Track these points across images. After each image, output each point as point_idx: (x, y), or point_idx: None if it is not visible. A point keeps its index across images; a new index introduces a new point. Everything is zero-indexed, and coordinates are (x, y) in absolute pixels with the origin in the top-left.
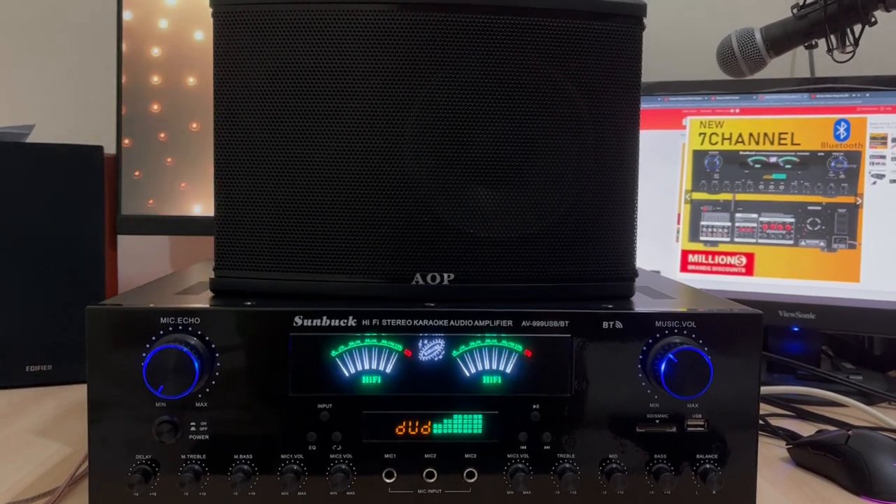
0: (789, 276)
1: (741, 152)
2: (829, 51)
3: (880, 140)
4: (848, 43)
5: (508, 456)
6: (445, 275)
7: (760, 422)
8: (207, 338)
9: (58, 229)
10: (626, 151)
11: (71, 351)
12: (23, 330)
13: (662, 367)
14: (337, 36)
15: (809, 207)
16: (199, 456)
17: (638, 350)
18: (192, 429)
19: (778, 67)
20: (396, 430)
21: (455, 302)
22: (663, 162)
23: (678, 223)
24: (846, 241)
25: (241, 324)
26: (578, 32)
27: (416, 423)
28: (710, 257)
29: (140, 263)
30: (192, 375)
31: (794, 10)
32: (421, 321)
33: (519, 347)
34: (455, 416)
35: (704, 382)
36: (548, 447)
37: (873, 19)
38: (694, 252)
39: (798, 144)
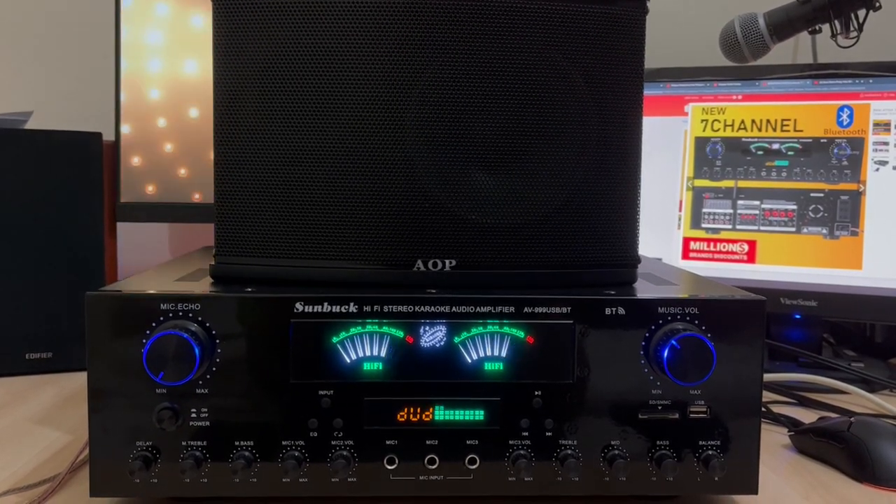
0: (791, 263)
1: (743, 139)
2: (833, 36)
3: (883, 126)
4: (852, 28)
5: (510, 442)
6: (447, 261)
7: (762, 409)
8: (208, 324)
9: (57, 217)
10: (629, 137)
11: (70, 338)
12: (22, 317)
13: (665, 353)
14: (338, 21)
15: (812, 194)
16: (199, 443)
17: (640, 336)
18: (193, 415)
19: (780, 53)
20: (398, 416)
21: (457, 288)
22: (665, 149)
23: (680, 210)
24: (848, 229)
25: (241, 310)
26: (581, 15)
27: (418, 410)
28: (711, 244)
29: (139, 251)
30: (193, 362)
31: None
32: (422, 307)
33: (521, 334)
34: (457, 403)
35: (707, 369)
36: (550, 434)
37: (878, 4)
38: (696, 239)
39: (801, 131)
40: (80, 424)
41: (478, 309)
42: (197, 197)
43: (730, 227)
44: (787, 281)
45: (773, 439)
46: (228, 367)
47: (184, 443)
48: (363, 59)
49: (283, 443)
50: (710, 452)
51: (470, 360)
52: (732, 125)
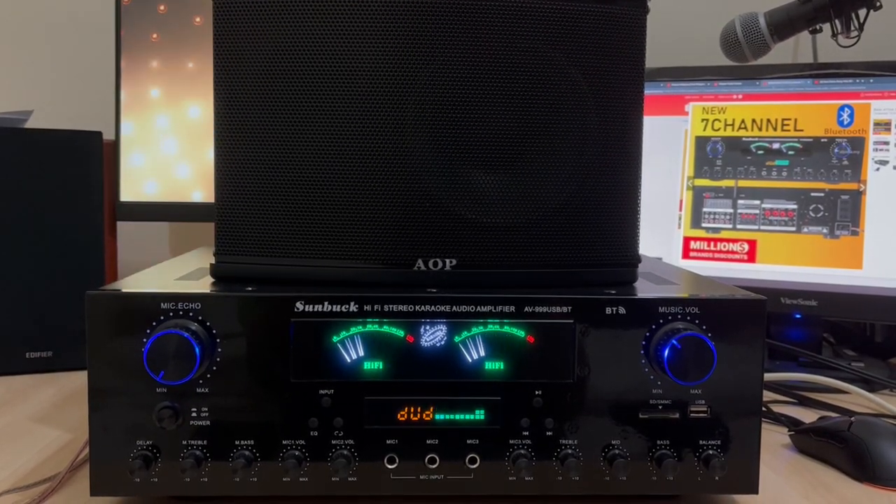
0: (791, 262)
1: (744, 138)
2: (834, 35)
3: (884, 126)
4: (853, 28)
5: (511, 442)
6: (447, 260)
7: (763, 408)
8: (208, 323)
9: (57, 216)
10: (630, 136)
11: (71, 337)
12: (22, 317)
13: (666, 353)
14: (339, 22)
15: (812, 194)
16: (200, 442)
17: (641, 336)
18: (194, 415)
19: (780, 53)
20: (398, 415)
21: (457, 287)
22: (665, 148)
23: (680, 210)
24: (849, 228)
25: (242, 309)
26: (582, 15)
27: (418, 409)
28: (712, 244)
29: (139, 250)
30: (193, 361)
31: None
32: (423, 307)
33: (521, 333)
34: (457, 402)
35: (708, 368)
36: (550, 433)
37: (879, 3)
38: (696, 239)
39: (801, 130)
40: (81, 423)
41: (478, 308)
42: (197, 196)
43: (730, 226)
44: (787, 280)
45: (773, 439)
46: (229, 366)
47: (184, 442)
48: (364, 59)
49: (284, 442)
50: (711, 452)
51: (470, 360)
52: (733, 125)
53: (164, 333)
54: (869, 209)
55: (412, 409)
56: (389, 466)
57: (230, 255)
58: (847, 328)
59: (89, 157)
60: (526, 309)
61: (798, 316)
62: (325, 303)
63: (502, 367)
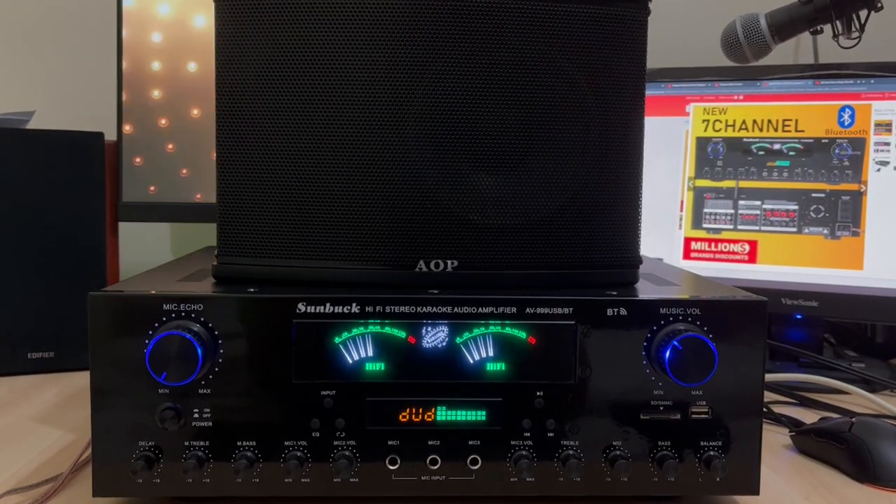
0: (792, 263)
1: (745, 139)
2: (835, 37)
3: (885, 127)
4: (854, 29)
5: (512, 443)
6: (449, 262)
7: (763, 409)
8: (210, 324)
9: (59, 216)
10: (631, 138)
11: (73, 338)
12: (24, 317)
13: (667, 354)
14: (340, 20)
15: (813, 195)
16: (202, 443)
17: (642, 337)
18: (196, 415)
19: (781, 54)
20: (400, 416)
21: (459, 289)
22: (666, 149)
23: (681, 210)
24: (850, 229)
25: (244, 310)
26: (583, 17)
27: (420, 410)
28: (712, 245)
29: (141, 251)
30: (195, 362)
31: None
32: (425, 308)
33: (523, 334)
34: (459, 403)
35: (709, 370)
36: (551, 434)
37: (879, 5)
38: (697, 239)
39: (802, 131)
40: (83, 424)
41: (480, 309)
42: (199, 197)
43: (731, 227)
44: (787, 281)
45: (774, 439)
46: (231, 367)
47: (186, 443)
48: (364, 58)
49: (286, 443)
50: (712, 453)
51: (472, 361)
52: (734, 125)
53: (167, 335)
54: (870, 210)
55: (414, 410)
56: (391, 467)
57: (232, 256)
58: (848, 329)
59: (91, 158)
60: (527, 310)
61: (799, 317)
62: (327, 304)
63: (504, 368)
